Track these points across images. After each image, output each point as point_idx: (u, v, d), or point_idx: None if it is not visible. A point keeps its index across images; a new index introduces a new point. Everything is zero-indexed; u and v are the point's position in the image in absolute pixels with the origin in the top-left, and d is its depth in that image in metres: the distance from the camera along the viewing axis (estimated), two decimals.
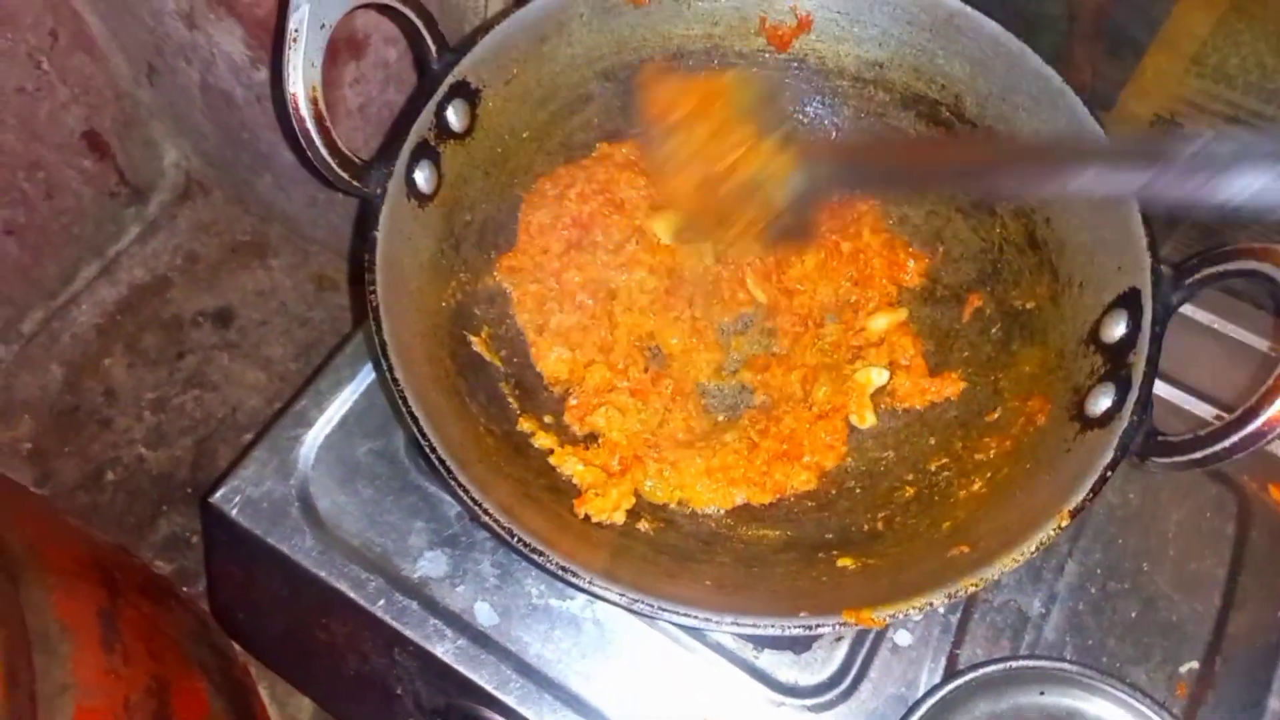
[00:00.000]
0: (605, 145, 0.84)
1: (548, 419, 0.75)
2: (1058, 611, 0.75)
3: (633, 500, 0.71)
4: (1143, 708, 0.66)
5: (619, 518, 0.69)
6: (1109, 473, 0.57)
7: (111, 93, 1.16)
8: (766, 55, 0.84)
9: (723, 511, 0.73)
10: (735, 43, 0.83)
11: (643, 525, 0.70)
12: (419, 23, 0.70)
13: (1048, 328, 0.71)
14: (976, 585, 0.54)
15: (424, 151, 0.70)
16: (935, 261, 0.82)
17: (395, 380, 0.60)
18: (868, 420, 0.77)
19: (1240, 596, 0.76)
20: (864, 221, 0.83)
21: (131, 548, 1.11)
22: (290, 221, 1.29)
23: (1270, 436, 0.50)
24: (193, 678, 0.75)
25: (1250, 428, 0.51)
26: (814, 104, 0.85)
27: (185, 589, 1.08)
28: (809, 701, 0.71)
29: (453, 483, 0.57)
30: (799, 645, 0.72)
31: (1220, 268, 0.58)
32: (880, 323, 0.81)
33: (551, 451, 0.73)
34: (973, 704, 0.69)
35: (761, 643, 0.72)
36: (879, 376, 0.78)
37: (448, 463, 0.57)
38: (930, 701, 0.67)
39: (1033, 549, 0.55)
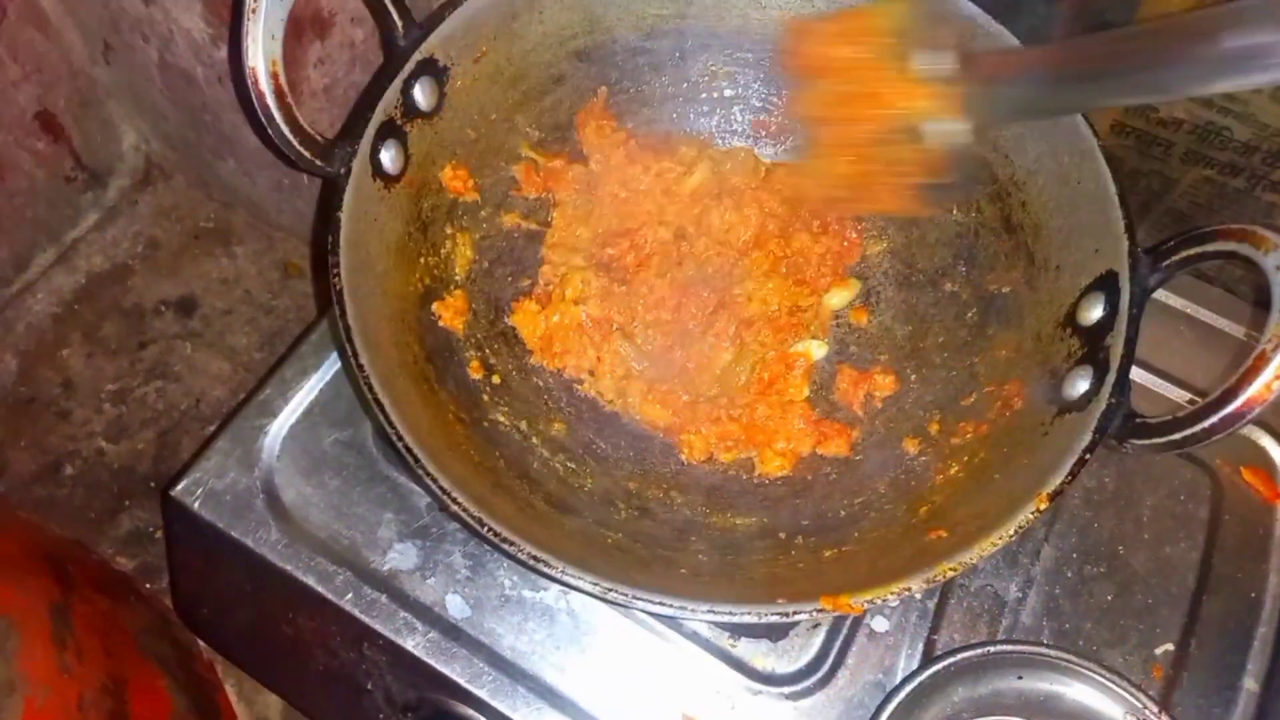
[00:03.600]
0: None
1: (517, 404, 0.74)
2: (1034, 596, 0.75)
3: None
4: (1120, 690, 0.66)
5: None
6: (1087, 455, 0.56)
7: (65, 71, 1.12)
8: (741, 38, 0.82)
9: (698, 500, 0.72)
10: (710, 23, 0.82)
11: (617, 514, 0.69)
12: None
13: (1024, 311, 0.71)
14: (955, 570, 0.54)
15: (390, 130, 0.68)
16: (903, 244, 0.82)
17: (360, 366, 0.58)
18: (804, 393, 0.77)
19: (1214, 579, 0.76)
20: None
21: (91, 543, 1.08)
22: (254, 207, 1.26)
23: (1248, 417, 0.50)
24: (152, 675, 0.73)
25: (1229, 408, 0.50)
26: (789, 87, 0.83)
27: (148, 585, 1.05)
28: (786, 689, 0.70)
29: (420, 472, 0.55)
30: (775, 633, 0.72)
31: (1198, 249, 0.58)
32: (835, 299, 0.81)
33: (528, 438, 0.72)
34: (950, 690, 0.68)
35: (738, 631, 0.71)
36: (818, 350, 0.77)
37: (415, 451, 0.56)
38: (908, 688, 0.66)
39: (1011, 532, 0.55)
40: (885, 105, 0.62)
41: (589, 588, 0.53)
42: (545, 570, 0.54)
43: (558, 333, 0.76)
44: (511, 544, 0.54)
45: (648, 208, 0.81)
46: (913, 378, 0.76)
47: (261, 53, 0.59)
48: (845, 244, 0.82)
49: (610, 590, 0.53)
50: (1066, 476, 0.55)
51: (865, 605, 0.53)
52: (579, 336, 0.76)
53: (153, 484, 1.13)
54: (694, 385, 0.77)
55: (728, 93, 0.85)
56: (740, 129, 0.87)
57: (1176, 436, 0.53)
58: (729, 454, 0.74)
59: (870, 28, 0.63)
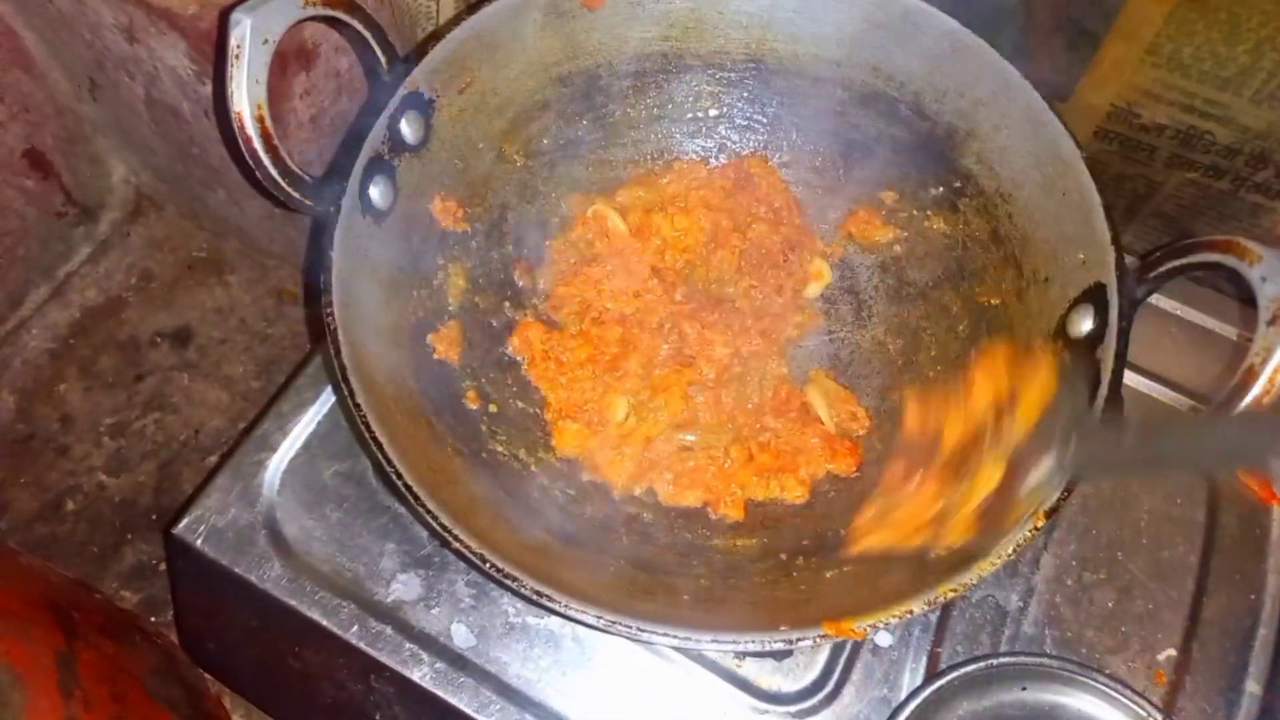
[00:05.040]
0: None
1: (515, 433, 0.74)
2: (1035, 605, 0.76)
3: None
4: (1123, 699, 0.67)
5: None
6: None
7: (52, 109, 1.13)
8: (724, 58, 0.83)
9: (699, 523, 0.72)
10: (692, 44, 0.82)
11: (619, 540, 0.69)
12: (367, 34, 0.68)
13: (1014, 324, 0.71)
14: (955, 591, 0.54)
15: (378, 166, 0.68)
16: (902, 258, 0.82)
17: (358, 405, 0.58)
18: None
19: (1213, 582, 0.76)
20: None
21: (95, 578, 1.08)
22: (246, 236, 1.26)
23: None
24: (159, 716, 0.73)
25: None
26: (773, 104, 0.84)
27: (153, 618, 1.05)
28: (792, 708, 0.70)
29: (421, 509, 0.56)
30: (780, 652, 0.72)
31: (1184, 260, 0.58)
32: (811, 289, 0.83)
33: (527, 466, 0.72)
34: (955, 703, 0.69)
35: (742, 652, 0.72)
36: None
37: (415, 489, 0.56)
38: (913, 704, 0.67)
39: (1009, 550, 0.55)
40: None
41: (594, 621, 0.53)
42: (549, 605, 0.54)
43: (601, 452, 0.75)
44: (515, 579, 0.54)
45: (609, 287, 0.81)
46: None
47: (246, 97, 0.59)
48: (801, 234, 0.84)
49: (615, 623, 0.53)
50: (1062, 494, 0.56)
51: (868, 629, 0.53)
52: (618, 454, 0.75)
53: (154, 517, 1.13)
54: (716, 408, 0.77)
55: (712, 112, 0.85)
56: (726, 148, 0.87)
57: None
58: (765, 491, 0.73)
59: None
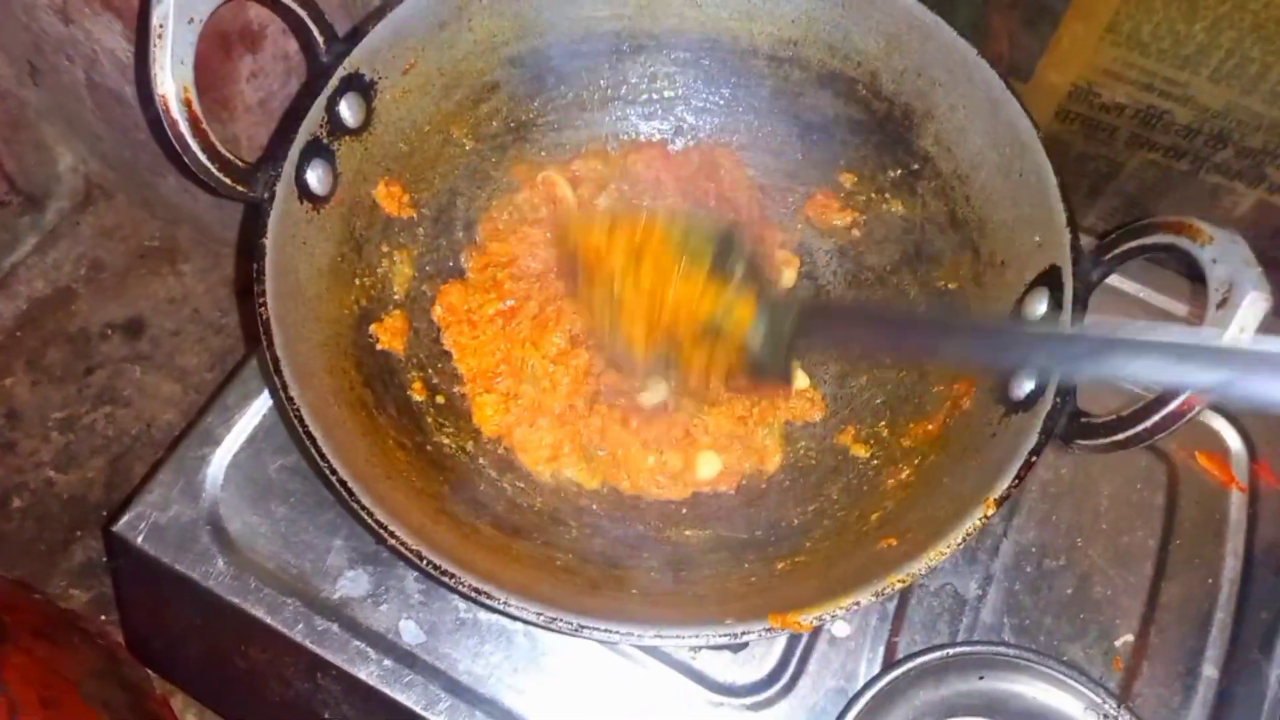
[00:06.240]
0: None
1: (463, 424, 0.72)
2: (994, 592, 0.75)
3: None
4: (1079, 686, 0.66)
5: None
6: (1033, 459, 0.55)
7: None
8: (678, 37, 0.80)
9: (651, 514, 0.71)
10: (646, 23, 0.80)
11: (569, 533, 0.68)
12: (303, 13, 0.66)
13: (971, 308, 0.70)
14: (904, 581, 0.53)
15: (316, 150, 0.66)
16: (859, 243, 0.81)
17: (290, 399, 0.56)
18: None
19: (1172, 566, 0.76)
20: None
21: (43, 577, 1.05)
22: (199, 224, 1.23)
23: (1190, 415, 0.50)
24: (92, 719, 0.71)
25: (1171, 407, 0.50)
26: (730, 85, 0.82)
27: (103, 617, 1.03)
28: (748, 700, 0.69)
29: (355, 505, 0.54)
30: (735, 644, 0.71)
31: (1138, 242, 0.57)
32: (785, 278, 0.80)
33: (475, 458, 0.70)
34: (912, 693, 0.68)
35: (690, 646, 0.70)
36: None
37: (349, 484, 0.54)
38: (869, 694, 0.66)
39: (959, 540, 0.54)
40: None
41: (533, 619, 0.52)
42: (487, 602, 0.52)
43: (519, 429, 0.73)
44: (452, 576, 0.53)
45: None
46: (864, 379, 0.76)
47: (171, 79, 0.57)
48: (764, 228, 0.82)
49: (555, 620, 0.52)
50: (1013, 481, 0.55)
51: (814, 622, 0.52)
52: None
53: (105, 512, 1.10)
54: None
55: (668, 94, 0.83)
56: (683, 130, 0.85)
57: (1120, 437, 0.52)
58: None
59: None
